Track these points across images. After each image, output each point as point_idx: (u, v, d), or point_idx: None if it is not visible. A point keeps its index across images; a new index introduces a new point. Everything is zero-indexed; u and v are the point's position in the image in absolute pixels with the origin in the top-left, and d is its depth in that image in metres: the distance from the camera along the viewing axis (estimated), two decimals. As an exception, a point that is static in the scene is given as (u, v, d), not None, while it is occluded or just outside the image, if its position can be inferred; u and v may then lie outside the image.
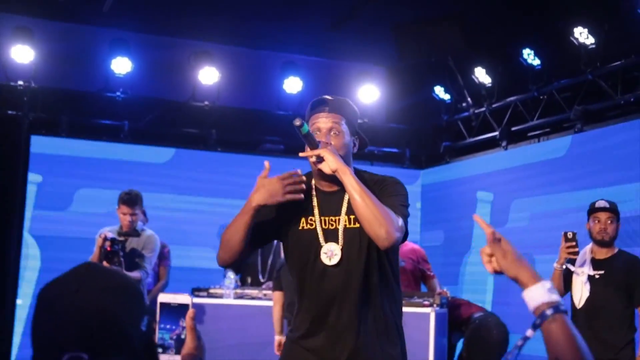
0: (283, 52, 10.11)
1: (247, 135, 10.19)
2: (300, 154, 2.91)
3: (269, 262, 7.18)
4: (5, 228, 8.67)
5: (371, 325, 2.97)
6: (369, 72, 10.43)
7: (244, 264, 7.27)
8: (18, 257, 8.66)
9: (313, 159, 2.87)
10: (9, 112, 8.85)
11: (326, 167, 2.84)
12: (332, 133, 2.94)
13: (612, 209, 5.23)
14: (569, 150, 8.38)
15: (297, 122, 2.78)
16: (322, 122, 2.95)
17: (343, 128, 2.96)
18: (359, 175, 2.94)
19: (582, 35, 7.85)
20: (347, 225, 2.96)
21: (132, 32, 9.37)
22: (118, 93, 9.31)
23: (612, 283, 5.13)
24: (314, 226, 2.99)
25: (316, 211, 3.00)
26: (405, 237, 2.90)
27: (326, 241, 2.97)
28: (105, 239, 5.75)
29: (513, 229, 8.71)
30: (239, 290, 6.82)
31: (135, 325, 1.52)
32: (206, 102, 9.72)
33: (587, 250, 5.30)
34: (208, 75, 9.52)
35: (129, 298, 1.53)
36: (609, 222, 5.19)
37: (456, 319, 6.65)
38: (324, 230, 2.98)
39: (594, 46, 7.89)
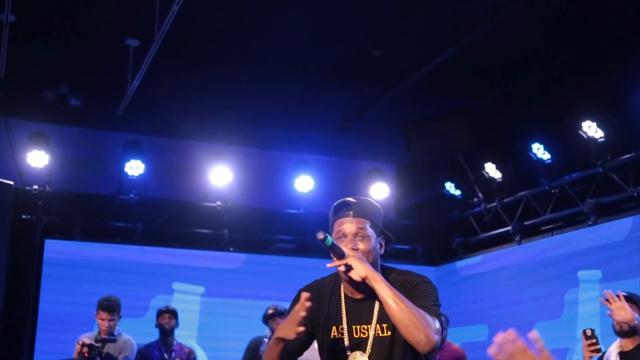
0: (294, 152, 10.23)
1: (259, 234, 10.19)
2: (328, 265, 2.86)
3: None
4: (18, 334, 8.58)
5: None
6: (379, 170, 10.50)
7: None
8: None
9: (342, 269, 2.83)
10: (24, 216, 8.91)
11: (355, 275, 2.79)
12: (357, 237, 2.89)
13: (630, 299, 5.11)
14: (585, 243, 8.34)
15: (321, 236, 2.72)
16: (347, 227, 2.90)
17: (369, 232, 2.91)
18: (387, 274, 2.90)
19: (591, 129, 7.94)
20: (380, 335, 2.90)
21: (145, 135, 9.52)
22: (131, 195, 9.40)
23: None
24: (343, 335, 2.94)
25: (344, 319, 2.95)
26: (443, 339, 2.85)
27: (352, 350, 2.91)
28: (82, 345, 5.90)
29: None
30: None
31: None
32: (218, 202, 9.78)
33: (615, 345, 5.18)
34: (220, 176, 9.61)
35: None
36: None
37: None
38: (352, 339, 2.93)
39: (603, 139, 7.95)
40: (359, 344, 2.91)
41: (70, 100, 8.45)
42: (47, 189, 9.00)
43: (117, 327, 6.41)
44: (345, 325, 2.94)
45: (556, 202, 8.80)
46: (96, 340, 6.10)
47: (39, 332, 8.76)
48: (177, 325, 7.36)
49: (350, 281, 2.86)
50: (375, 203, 3.04)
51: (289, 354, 2.96)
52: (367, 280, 2.77)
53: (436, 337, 2.70)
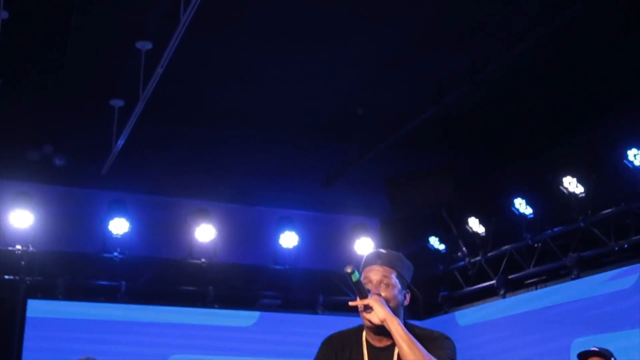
0: (278, 208, 10.27)
1: (245, 291, 10.15)
2: (350, 304, 2.93)
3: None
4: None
5: None
6: (363, 225, 10.55)
7: None
8: None
9: (362, 308, 2.89)
10: (6, 276, 8.85)
11: (374, 316, 2.84)
12: (382, 285, 2.96)
13: (601, 354, 5.09)
14: (568, 297, 8.36)
15: (349, 270, 2.78)
16: (374, 274, 2.98)
17: (394, 281, 2.98)
18: (410, 328, 2.94)
19: (572, 184, 8.03)
20: None
21: (129, 193, 9.53)
22: (115, 254, 9.38)
23: None
24: None
25: None
26: None
27: None
28: None
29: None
30: None
31: None
32: (203, 260, 9.77)
33: None
34: (205, 233, 9.63)
35: None
36: None
37: None
38: None
39: (583, 195, 8.05)
40: None
41: (55, 160, 8.47)
42: (31, 248, 8.96)
43: None
44: None
45: (539, 256, 8.85)
46: None
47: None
48: None
49: (369, 325, 2.90)
50: (405, 259, 3.11)
51: None
52: (384, 323, 2.83)
53: None
